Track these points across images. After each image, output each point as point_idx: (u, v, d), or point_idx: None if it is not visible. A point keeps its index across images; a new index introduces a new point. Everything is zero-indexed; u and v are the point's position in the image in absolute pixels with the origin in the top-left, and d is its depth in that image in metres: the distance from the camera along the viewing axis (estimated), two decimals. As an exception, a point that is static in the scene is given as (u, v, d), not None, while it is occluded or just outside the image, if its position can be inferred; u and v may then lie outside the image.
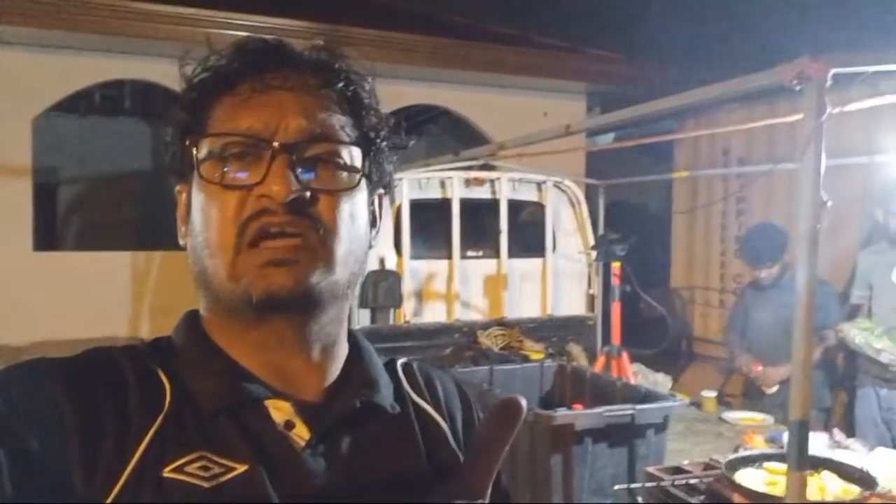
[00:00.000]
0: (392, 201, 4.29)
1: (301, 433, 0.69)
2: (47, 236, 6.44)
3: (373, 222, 0.77)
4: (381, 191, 0.79)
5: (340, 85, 0.73)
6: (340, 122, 0.72)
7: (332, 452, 0.69)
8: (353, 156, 0.72)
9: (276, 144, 0.67)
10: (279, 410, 0.69)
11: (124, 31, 5.22)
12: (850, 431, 3.40)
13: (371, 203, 0.77)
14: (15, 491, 0.58)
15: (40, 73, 5.46)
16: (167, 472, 0.62)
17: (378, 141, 0.75)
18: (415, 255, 4.52)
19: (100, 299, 5.64)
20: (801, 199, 1.59)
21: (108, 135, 7.71)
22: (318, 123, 0.70)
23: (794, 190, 4.72)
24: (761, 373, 3.78)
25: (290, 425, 0.69)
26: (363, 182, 0.73)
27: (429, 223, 4.59)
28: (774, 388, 3.77)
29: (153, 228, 6.84)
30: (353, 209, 0.71)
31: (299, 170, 0.67)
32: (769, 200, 5.25)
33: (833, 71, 1.53)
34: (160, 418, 0.65)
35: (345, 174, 0.71)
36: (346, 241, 0.70)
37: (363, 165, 0.73)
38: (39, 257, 5.65)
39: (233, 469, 0.64)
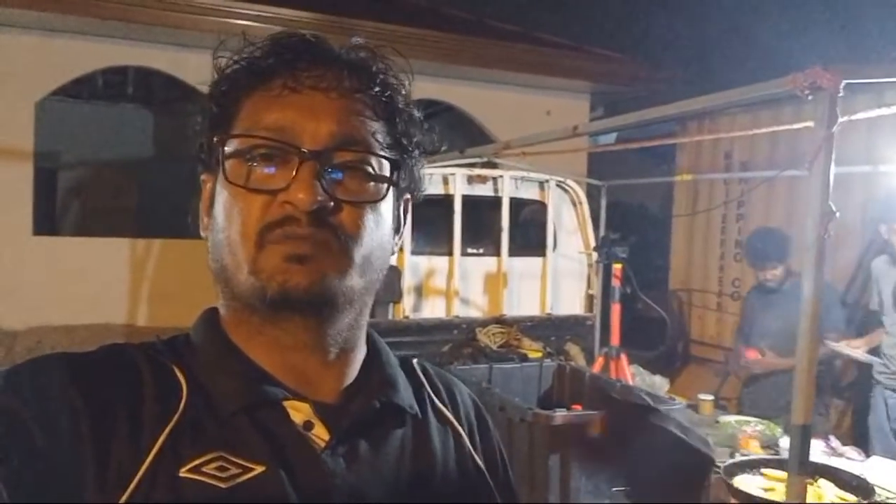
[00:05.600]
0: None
1: (320, 434, 0.68)
2: (47, 221, 6.43)
3: (397, 229, 0.76)
4: (408, 196, 0.78)
5: (376, 89, 0.71)
6: (372, 128, 0.70)
7: (352, 453, 0.68)
8: (382, 165, 0.70)
9: (304, 150, 0.66)
10: (298, 411, 0.69)
11: (129, 16, 5.21)
12: (856, 441, 3.39)
13: (397, 209, 0.75)
14: (28, 490, 0.57)
15: (44, 57, 5.45)
16: (183, 472, 0.61)
17: (410, 148, 0.74)
18: (416, 251, 4.51)
19: (97, 285, 5.64)
20: (809, 207, 1.59)
21: (110, 121, 7.69)
22: (349, 129, 0.68)
23: (794, 196, 4.77)
24: (750, 361, 3.74)
25: (309, 426, 0.68)
26: (391, 190, 0.71)
27: (430, 219, 4.58)
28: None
29: (152, 216, 6.85)
30: (378, 218, 0.70)
31: (326, 177, 0.66)
32: (769, 205, 5.26)
33: (845, 81, 1.53)
34: (176, 417, 0.64)
35: (372, 184, 0.70)
36: (366, 250, 0.69)
37: (392, 174, 0.71)
38: (39, 241, 5.64)
39: (251, 470, 0.63)
